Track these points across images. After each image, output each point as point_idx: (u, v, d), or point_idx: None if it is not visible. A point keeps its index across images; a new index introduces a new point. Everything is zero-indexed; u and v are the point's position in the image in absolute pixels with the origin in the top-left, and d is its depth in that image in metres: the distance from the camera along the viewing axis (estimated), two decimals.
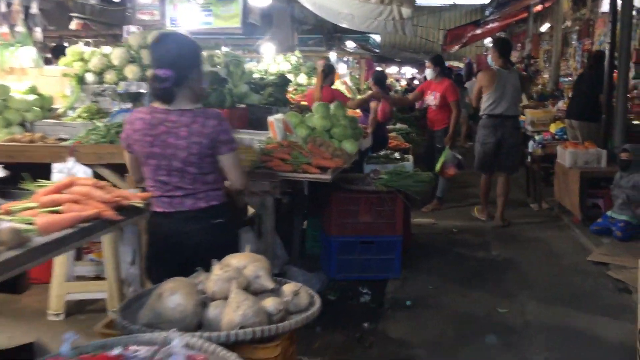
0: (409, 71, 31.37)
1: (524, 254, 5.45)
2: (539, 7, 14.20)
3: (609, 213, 5.62)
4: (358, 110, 7.47)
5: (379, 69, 34.28)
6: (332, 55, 17.81)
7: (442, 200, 7.30)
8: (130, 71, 5.06)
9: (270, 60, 9.07)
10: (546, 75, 13.55)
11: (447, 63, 26.53)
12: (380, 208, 4.68)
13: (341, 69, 16.80)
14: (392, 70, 31.91)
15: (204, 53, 7.27)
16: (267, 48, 10.09)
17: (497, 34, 18.74)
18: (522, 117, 9.39)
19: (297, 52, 10.34)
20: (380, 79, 7.45)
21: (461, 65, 23.34)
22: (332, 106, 5.34)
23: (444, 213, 7.17)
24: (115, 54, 5.11)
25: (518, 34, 17.97)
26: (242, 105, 5.38)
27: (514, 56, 15.89)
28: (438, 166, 6.76)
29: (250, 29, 15.95)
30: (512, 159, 6.59)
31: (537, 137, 8.30)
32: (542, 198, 7.15)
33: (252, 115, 5.30)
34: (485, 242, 5.88)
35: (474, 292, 4.52)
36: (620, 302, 4.17)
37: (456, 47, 17.08)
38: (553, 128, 8.31)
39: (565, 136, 7.79)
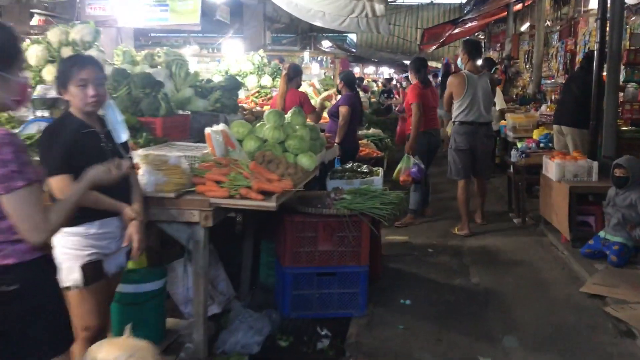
0: (386, 71, 30.79)
1: (507, 282, 4.80)
2: (518, 6, 13.68)
3: (601, 234, 5.01)
4: (325, 115, 6.79)
5: (356, 69, 33.72)
6: (306, 55, 17.17)
7: (416, 212, 6.73)
8: (49, 72, 4.31)
9: (232, 60, 8.29)
10: (527, 77, 13.02)
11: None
12: (343, 234, 3.99)
13: (314, 69, 16.16)
14: (369, 70, 31.32)
15: (143, 52, 6.60)
16: (230, 47, 9.32)
17: (476, 34, 18.23)
18: (502, 122, 8.81)
19: (260, 52, 9.59)
20: (349, 80, 6.75)
21: (439, 65, 22.80)
22: (289, 114, 4.64)
23: (419, 228, 6.54)
24: (32, 52, 4.35)
25: (497, 34, 17.46)
26: (186, 113, 4.64)
27: (493, 56, 15.36)
28: (395, 174, 6.47)
29: (219, 27, 15.27)
30: (487, 164, 6.57)
31: (519, 145, 7.70)
32: (525, 212, 6.54)
33: (197, 124, 4.57)
34: (463, 267, 5.22)
35: (450, 334, 3.84)
36: (623, 350, 3.53)
37: (433, 47, 16.50)
38: (536, 134, 7.72)
39: (550, 144, 7.19)
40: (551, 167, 5.66)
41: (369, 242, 4.07)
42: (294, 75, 6.25)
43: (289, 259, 3.99)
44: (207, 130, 3.56)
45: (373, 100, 17.91)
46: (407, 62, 13.47)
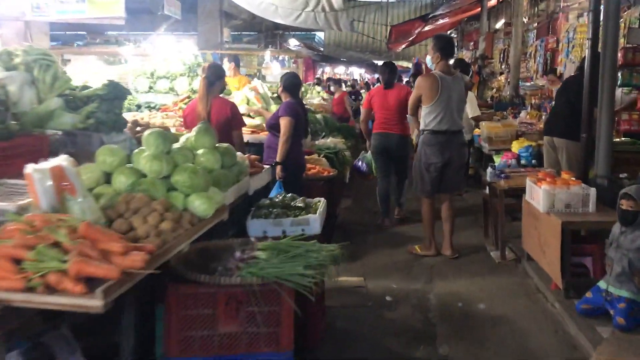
0: (357, 71, 29.71)
1: (484, 353, 3.65)
2: (493, 1, 12.65)
3: (602, 284, 3.89)
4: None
5: (327, 69, 32.60)
6: (267, 55, 15.95)
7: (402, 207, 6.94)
8: None
9: (160, 59, 7.00)
10: (502, 78, 11.99)
11: (396, 63, 25.15)
12: (254, 309, 2.79)
13: (275, 69, 14.95)
14: (339, 70, 30.21)
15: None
16: (158, 43, 8.02)
17: (449, 32, 17.18)
18: (476, 131, 7.71)
19: (195, 50, 8.34)
20: (291, 84, 5.54)
21: (410, 65, 21.75)
22: (193, 133, 3.43)
23: (377, 263, 5.39)
24: None
25: (470, 33, 16.46)
26: (47, 131, 3.38)
27: (466, 56, 14.33)
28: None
29: (173, 24, 13.95)
30: (458, 178, 5.78)
31: (496, 159, 6.60)
32: (505, 243, 5.41)
33: (64, 147, 3.32)
34: (428, 326, 4.06)
35: None
36: None
37: (403, 46, 15.39)
38: (515, 147, 6.63)
39: (533, 160, 6.10)
40: (537, 194, 4.53)
41: (292, 318, 2.87)
42: (215, 78, 5.00)
43: (174, 347, 2.77)
44: (28, 168, 2.32)
45: None
46: (377, 62, 12.35)
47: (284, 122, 5.19)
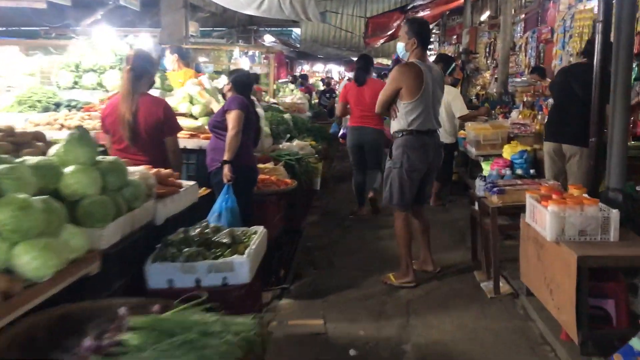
0: (335, 69, 28.66)
1: None
2: None
3: (636, 344, 2.90)
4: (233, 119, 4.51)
5: (305, 66, 31.50)
6: (236, 51, 14.87)
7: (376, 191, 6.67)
8: None
9: (87, 49, 5.85)
10: (487, 74, 11.05)
11: (375, 61, 24.11)
12: None
13: (244, 64, 13.87)
14: (317, 68, 29.12)
15: None
16: (94, 32, 6.86)
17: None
18: (461, 134, 6.72)
19: (130, 38, 7.24)
20: (240, 83, 4.51)
21: (389, 62, 20.79)
22: (62, 144, 2.38)
23: (343, 298, 4.37)
24: None
25: (453, 27, 15.51)
26: None
27: (449, 51, 13.38)
28: None
29: (134, 17, 12.76)
30: (430, 188, 5.14)
31: (485, 167, 5.61)
32: (499, 272, 4.41)
33: None
34: None
35: None
36: None
37: (381, 41, 14.38)
38: (508, 152, 5.63)
39: (528, 167, 5.12)
40: (542, 216, 3.53)
41: None
42: (143, 70, 3.95)
43: None
44: None
45: (315, 101, 15.72)
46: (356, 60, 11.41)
47: (232, 116, 4.26)
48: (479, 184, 4.57)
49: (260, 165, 5.12)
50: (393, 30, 12.97)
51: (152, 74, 4.13)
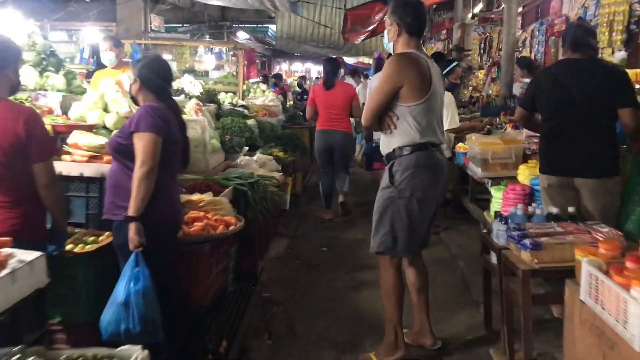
0: (314, 69, 27.25)
1: None
2: None
3: None
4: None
5: (283, 65, 30.07)
6: (200, 48, 13.42)
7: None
8: None
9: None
10: (480, 74, 9.74)
11: (356, 60, 22.70)
12: None
13: (208, 62, 12.45)
14: (296, 67, 27.68)
15: None
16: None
17: None
18: (461, 147, 5.38)
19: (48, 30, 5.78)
20: (153, 76, 3.04)
21: (371, 61, 19.48)
22: None
23: None
24: None
25: (440, 23, 14.20)
26: None
27: (438, 48, 12.07)
28: None
29: (78, 7, 11.27)
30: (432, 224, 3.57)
31: (496, 194, 4.31)
32: (528, 348, 3.04)
33: None
34: None
35: None
36: None
37: (361, 37, 13.03)
38: (525, 174, 4.30)
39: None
40: (616, 301, 2.18)
41: None
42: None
43: None
44: None
45: (291, 103, 14.30)
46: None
47: (142, 144, 2.80)
48: (498, 227, 3.21)
49: (194, 197, 3.70)
50: (375, 25, 11.62)
51: (11, 68, 2.71)
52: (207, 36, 16.22)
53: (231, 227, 3.48)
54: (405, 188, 3.15)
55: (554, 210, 3.26)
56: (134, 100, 3.15)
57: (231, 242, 3.76)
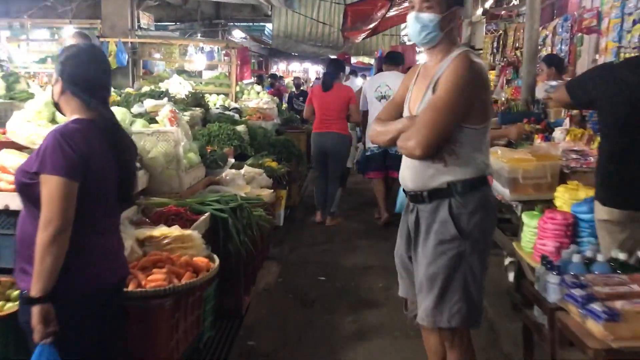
0: (312, 69, 26.46)
1: None
2: None
3: None
4: None
5: (281, 65, 29.44)
6: (191, 47, 12.65)
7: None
8: None
9: None
10: (493, 75, 8.96)
11: (355, 59, 21.93)
12: None
13: (199, 62, 11.69)
14: (294, 67, 26.87)
15: None
16: None
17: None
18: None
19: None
20: (83, 75, 2.17)
21: (372, 62, 18.71)
22: None
23: None
24: None
25: None
26: None
27: None
28: None
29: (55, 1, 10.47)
30: None
31: (530, 223, 3.56)
32: None
33: None
34: None
35: None
36: None
37: (362, 35, 12.25)
38: (564, 198, 3.53)
39: None
40: None
41: None
42: None
43: None
44: None
45: (285, 106, 13.50)
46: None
47: (46, 191, 1.97)
48: (548, 279, 2.44)
49: (155, 233, 2.91)
50: (376, 23, 10.85)
51: None
52: (200, 35, 15.47)
53: (201, 275, 2.71)
54: (478, 238, 2.35)
55: (622, 256, 2.49)
56: (58, 107, 2.32)
57: (203, 288, 2.99)
